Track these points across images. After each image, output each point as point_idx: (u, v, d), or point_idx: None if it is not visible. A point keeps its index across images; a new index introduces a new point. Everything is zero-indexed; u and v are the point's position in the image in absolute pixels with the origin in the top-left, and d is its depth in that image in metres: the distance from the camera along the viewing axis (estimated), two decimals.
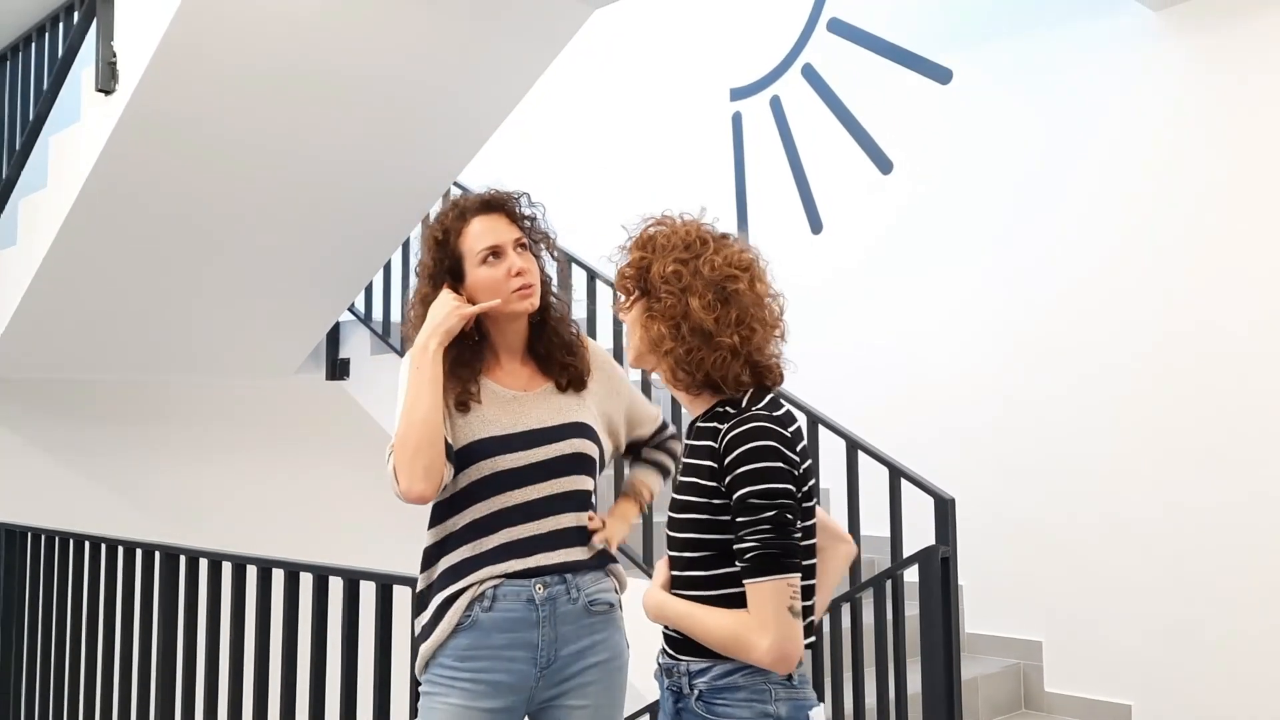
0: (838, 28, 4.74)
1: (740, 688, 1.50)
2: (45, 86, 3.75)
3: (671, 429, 2.13)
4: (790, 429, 1.53)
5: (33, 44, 3.87)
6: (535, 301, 1.89)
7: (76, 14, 3.55)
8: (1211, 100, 3.70)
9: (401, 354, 4.53)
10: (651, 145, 5.37)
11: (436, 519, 1.88)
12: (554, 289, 1.98)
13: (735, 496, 1.48)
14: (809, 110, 4.81)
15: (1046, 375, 4.03)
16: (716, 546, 1.51)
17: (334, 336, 4.84)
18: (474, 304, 1.85)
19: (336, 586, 2.58)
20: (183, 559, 3.08)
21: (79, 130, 3.46)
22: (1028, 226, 4.12)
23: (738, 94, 5.09)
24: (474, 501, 1.83)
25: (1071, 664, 3.91)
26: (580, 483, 1.88)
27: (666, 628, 1.60)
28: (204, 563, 2.99)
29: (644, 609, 1.62)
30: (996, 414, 4.14)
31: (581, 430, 1.90)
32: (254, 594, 2.77)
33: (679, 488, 1.59)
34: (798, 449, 1.54)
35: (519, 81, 3.71)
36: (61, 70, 3.61)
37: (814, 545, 1.58)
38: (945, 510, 2.72)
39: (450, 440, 1.82)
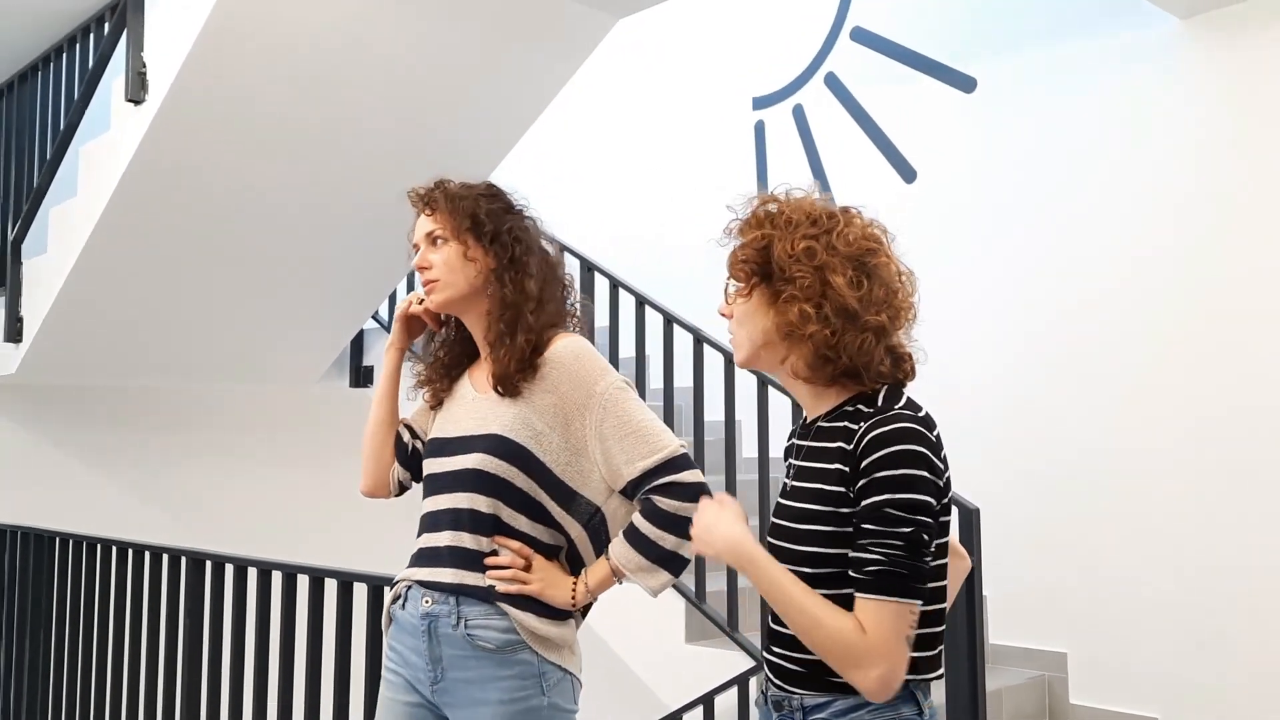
0: (861, 36, 4.74)
1: None
2: (76, 97, 3.80)
3: (678, 476, 1.71)
4: (935, 433, 1.37)
5: (64, 55, 3.92)
6: (437, 298, 1.78)
7: (107, 25, 3.59)
8: (1239, 109, 3.67)
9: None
10: (674, 154, 5.38)
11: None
12: (506, 280, 1.78)
13: (866, 503, 1.30)
14: (832, 119, 4.81)
15: (1072, 384, 4.00)
16: (841, 563, 1.33)
17: (358, 344, 4.87)
18: None
19: (362, 591, 2.59)
20: (209, 564, 3.10)
21: (109, 140, 3.51)
22: (1052, 235, 4.10)
23: (760, 103, 5.09)
24: (424, 499, 1.86)
25: (1097, 676, 3.87)
26: (474, 501, 1.72)
27: (776, 656, 1.41)
28: (230, 568, 3.02)
29: (712, 538, 1.39)
30: (1022, 423, 4.11)
31: (494, 445, 1.72)
32: (279, 600, 2.79)
33: (794, 493, 1.41)
34: (942, 456, 1.37)
35: (542, 92, 3.73)
36: (92, 80, 3.65)
37: (944, 567, 1.40)
38: (970, 520, 2.70)
39: (420, 438, 1.89)
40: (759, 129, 5.09)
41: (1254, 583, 3.55)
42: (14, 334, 4.07)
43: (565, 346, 1.76)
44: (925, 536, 1.30)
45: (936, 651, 1.40)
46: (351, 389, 4.91)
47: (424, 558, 1.79)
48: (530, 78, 3.64)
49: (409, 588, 1.80)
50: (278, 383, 4.79)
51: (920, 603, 1.31)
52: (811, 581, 1.34)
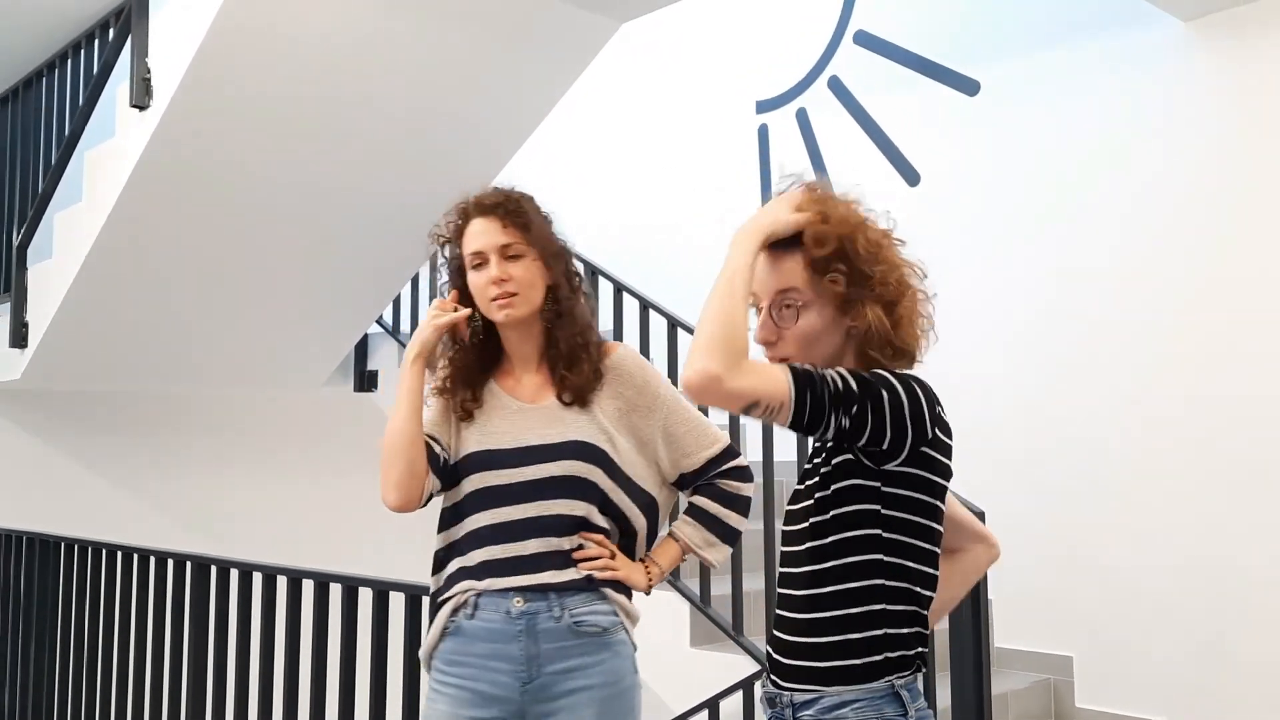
0: (864, 40, 4.74)
1: None
2: (81, 102, 3.81)
3: (736, 462, 1.91)
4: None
5: (69, 61, 3.94)
6: (515, 313, 1.80)
7: (112, 31, 3.60)
8: (1243, 111, 3.67)
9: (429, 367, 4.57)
10: (677, 158, 5.39)
11: (442, 524, 1.89)
12: (563, 296, 1.85)
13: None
14: (835, 122, 4.81)
15: (1077, 388, 4.00)
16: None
17: (362, 348, 4.87)
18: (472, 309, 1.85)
19: (366, 596, 2.59)
20: (214, 569, 3.10)
21: (114, 145, 3.52)
22: (1057, 237, 4.09)
23: (764, 106, 5.10)
24: (468, 514, 1.83)
25: (1103, 680, 3.87)
26: (570, 507, 1.79)
27: (773, 651, 1.45)
28: (235, 573, 3.02)
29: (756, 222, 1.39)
30: (1026, 426, 4.11)
31: (580, 450, 1.80)
32: (284, 604, 2.79)
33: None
34: (934, 406, 1.38)
35: (544, 98, 3.74)
36: (97, 86, 3.67)
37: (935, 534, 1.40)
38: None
39: (447, 450, 1.83)
40: (762, 132, 5.09)
41: (1260, 586, 3.54)
42: (19, 339, 4.08)
43: (625, 355, 1.90)
44: (852, 386, 1.32)
45: (917, 651, 1.40)
46: (356, 393, 4.91)
47: (505, 568, 1.78)
48: (534, 82, 3.65)
49: (478, 595, 1.79)
50: (283, 387, 4.80)
51: (793, 397, 1.30)
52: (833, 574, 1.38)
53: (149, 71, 3.30)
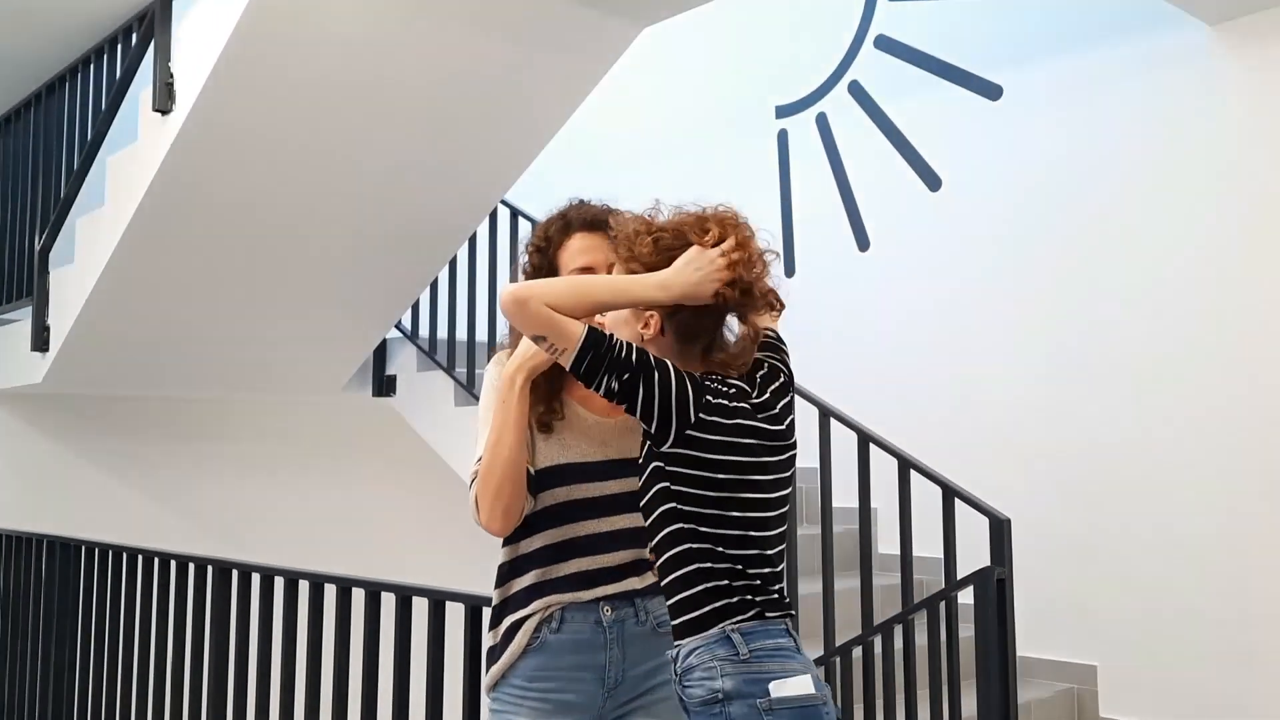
0: (885, 44, 4.72)
1: (693, 667, 1.58)
2: (103, 107, 3.82)
3: None
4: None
5: (91, 66, 3.95)
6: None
7: (135, 36, 3.62)
8: (1269, 115, 3.64)
9: (448, 371, 4.56)
10: (695, 162, 5.37)
11: (511, 538, 1.84)
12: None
13: None
14: (856, 127, 4.79)
15: (1102, 392, 3.96)
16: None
17: (381, 354, 4.87)
18: None
19: (389, 602, 2.58)
20: (235, 574, 3.10)
21: (136, 150, 3.52)
22: (1080, 242, 4.06)
23: (783, 111, 5.08)
24: (548, 526, 1.80)
25: (1127, 689, 3.83)
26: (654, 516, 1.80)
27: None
28: (256, 578, 3.01)
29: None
30: (1051, 433, 4.08)
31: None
32: (305, 609, 2.79)
33: None
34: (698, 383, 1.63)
35: (565, 102, 3.73)
36: (120, 91, 3.68)
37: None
38: (1001, 531, 2.67)
39: (530, 463, 1.79)
40: (782, 137, 5.08)
41: None
42: (41, 344, 4.09)
43: None
44: (632, 360, 1.58)
45: (748, 599, 1.60)
46: (375, 398, 4.91)
47: (596, 578, 1.79)
48: (553, 88, 3.64)
49: (563, 609, 1.78)
50: (302, 393, 4.80)
51: (579, 346, 1.57)
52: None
53: (172, 76, 3.30)
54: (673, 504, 1.61)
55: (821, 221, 4.89)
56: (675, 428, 1.59)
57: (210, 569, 3.21)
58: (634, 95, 5.56)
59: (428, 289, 4.60)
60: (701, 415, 1.60)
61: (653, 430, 1.60)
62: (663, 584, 1.64)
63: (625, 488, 1.76)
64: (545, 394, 1.83)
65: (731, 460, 1.62)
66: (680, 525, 1.61)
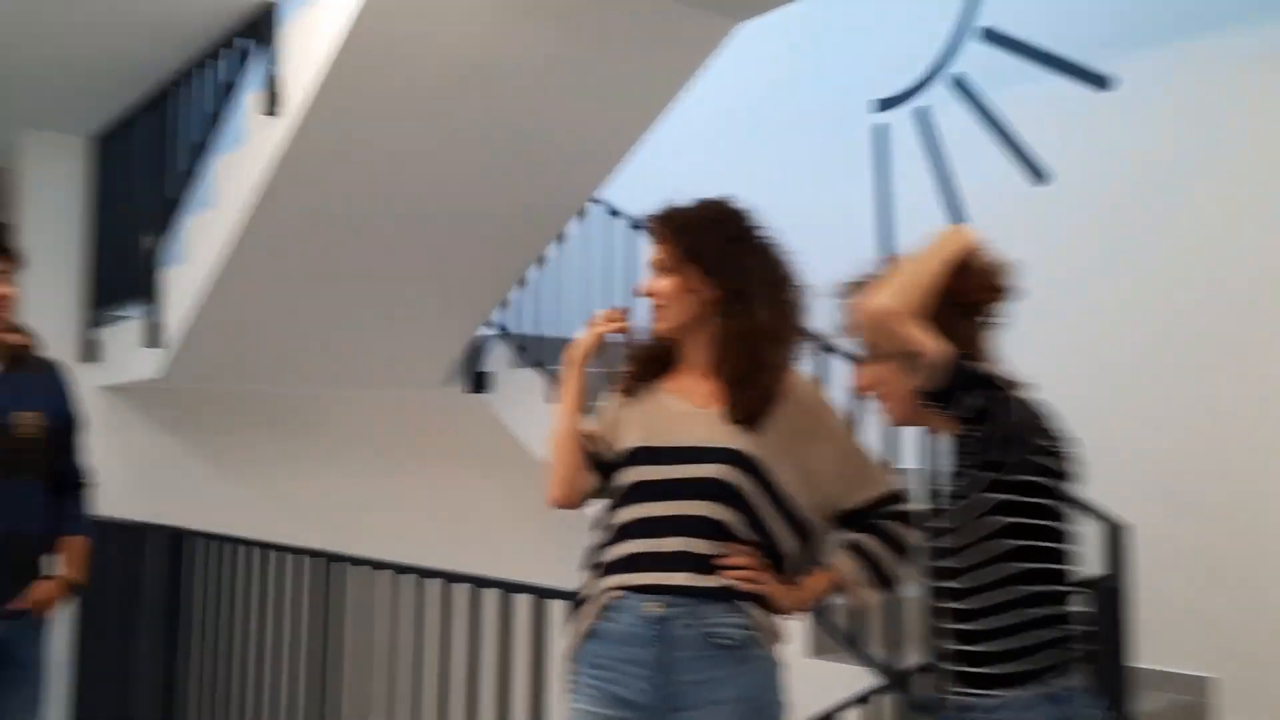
0: (988, 35, 4.60)
1: None
2: (214, 111, 3.93)
3: (903, 506, 1.90)
4: None
5: (203, 70, 4.06)
6: (661, 326, 1.88)
7: (244, 41, 3.71)
8: None
9: (539, 368, 4.60)
10: (791, 158, 5.31)
11: (597, 521, 1.90)
12: (730, 312, 1.84)
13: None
14: (958, 120, 4.67)
15: (1221, 395, 3.80)
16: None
17: (475, 350, 4.93)
18: None
19: (492, 598, 2.60)
20: (335, 566, 3.16)
21: (245, 152, 3.62)
22: (1198, 237, 3.90)
23: (882, 105, 4.99)
24: (619, 509, 1.85)
25: (1247, 704, 3.66)
26: (711, 509, 1.78)
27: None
28: (357, 570, 3.07)
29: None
30: (1170, 436, 3.91)
31: (731, 456, 1.79)
32: (410, 601, 2.83)
33: None
34: None
35: (656, 99, 3.72)
36: (230, 95, 3.78)
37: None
38: (1117, 537, 2.58)
39: (608, 450, 1.88)
40: (881, 132, 4.99)
41: None
42: (155, 340, 4.24)
43: (802, 381, 1.91)
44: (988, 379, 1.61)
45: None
46: (469, 395, 4.97)
47: (642, 563, 1.79)
48: (645, 85, 3.64)
49: (618, 598, 1.79)
50: (401, 388, 4.89)
51: (948, 361, 1.57)
52: None
53: (281, 80, 3.38)
54: (1009, 539, 1.53)
55: (922, 217, 4.78)
56: (1022, 449, 1.54)
57: (308, 560, 3.28)
58: (726, 89, 5.52)
59: (522, 286, 4.63)
60: (1041, 439, 1.57)
61: (995, 454, 1.53)
62: (974, 625, 1.55)
63: (685, 474, 1.79)
64: (642, 379, 1.91)
65: (1058, 487, 1.58)
66: (1018, 565, 1.53)
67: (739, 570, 1.77)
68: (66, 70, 4.30)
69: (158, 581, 4.14)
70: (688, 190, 1.98)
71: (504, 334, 4.84)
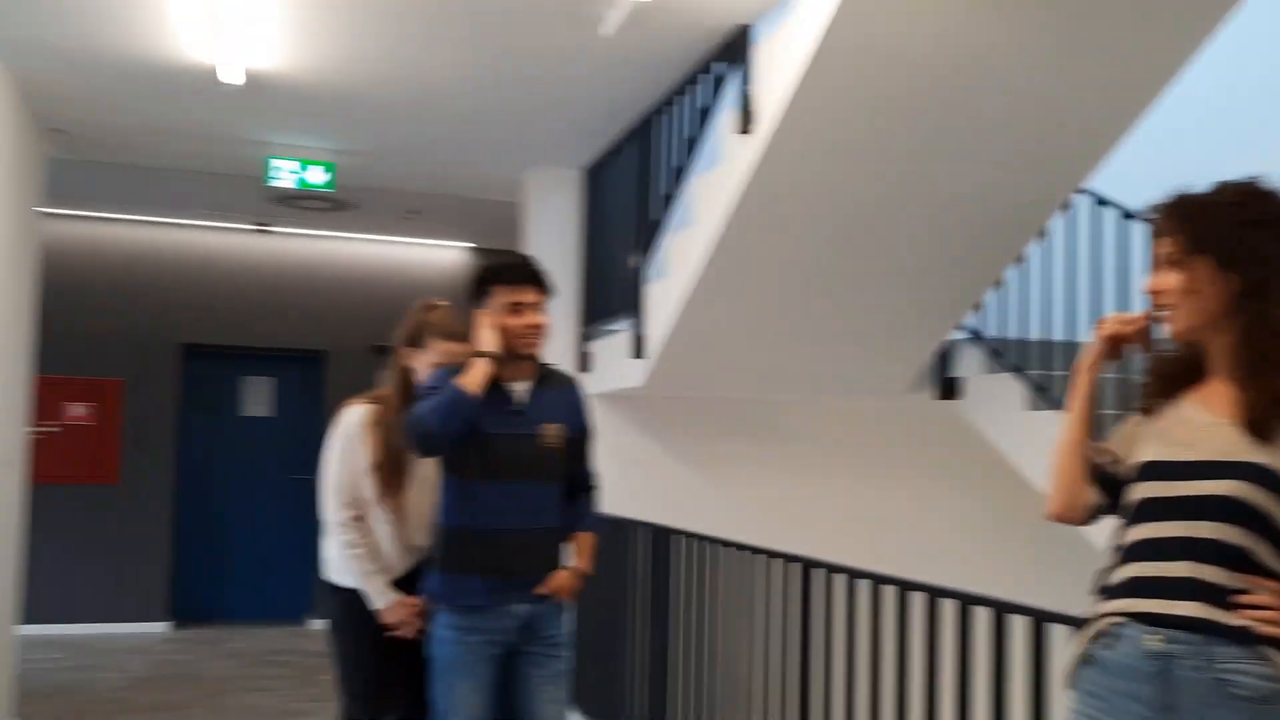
0: None
1: None
2: (692, 135, 4.17)
3: None
4: None
5: (683, 96, 4.33)
6: (1172, 328, 1.70)
7: (719, 65, 3.90)
8: None
9: (1019, 373, 4.35)
10: None
11: (1112, 539, 1.75)
12: (1246, 307, 1.63)
13: None
14: None
15: None
16: None
17: (945, 356, 4.78)
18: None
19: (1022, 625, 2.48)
20: (816, 571, 3.20)
21: (721, 171, 3.79)
22: None
23: None
24: (1129, 526, 1.70)
25: None
26: (1224, 532, 1.58)
27: None
28: (837, 577, 3.08)
29: None
30: None
31: (1250, 472, 1.58)
32: (892, 613, 2.79)
33: None
34: None
35: (1154, 78, 3.36)
36: (707, 118, 3.99)
37: None
38: None
39: (1118, 464, 1.75)
40: None
41: None
42: (639, 351, 4.58)
43: None
44: None
45: None
46: (938, 401, 4.83)
47: (1144, 588, 1.65)
48: (1140, 64, 3.31)
49: (1118, 625, 1.67)
50: (866, 395, 4.87)
51: None
52: None
53: (753, 98, 3.50)
54: None
55: None
56: None
57: (784, 564, 3.34)
58: (1232, 61, 4.87)
59: (997, 287, 4.42)
60: None
61: None
62: None
63: (1196, 491, 1.60)
64: (1164, 391, 1.75)
65: None
66: None
67: (1262, 611, 1.54)
68: (565, 112, 4.80)
69: (644, 575, 4.46)
70: (1184, 175, 1.75)
71: (976, 338, 4.64)
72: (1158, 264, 1.71)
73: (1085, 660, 1.69)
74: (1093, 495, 1.77)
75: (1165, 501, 1.64)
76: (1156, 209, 1.74)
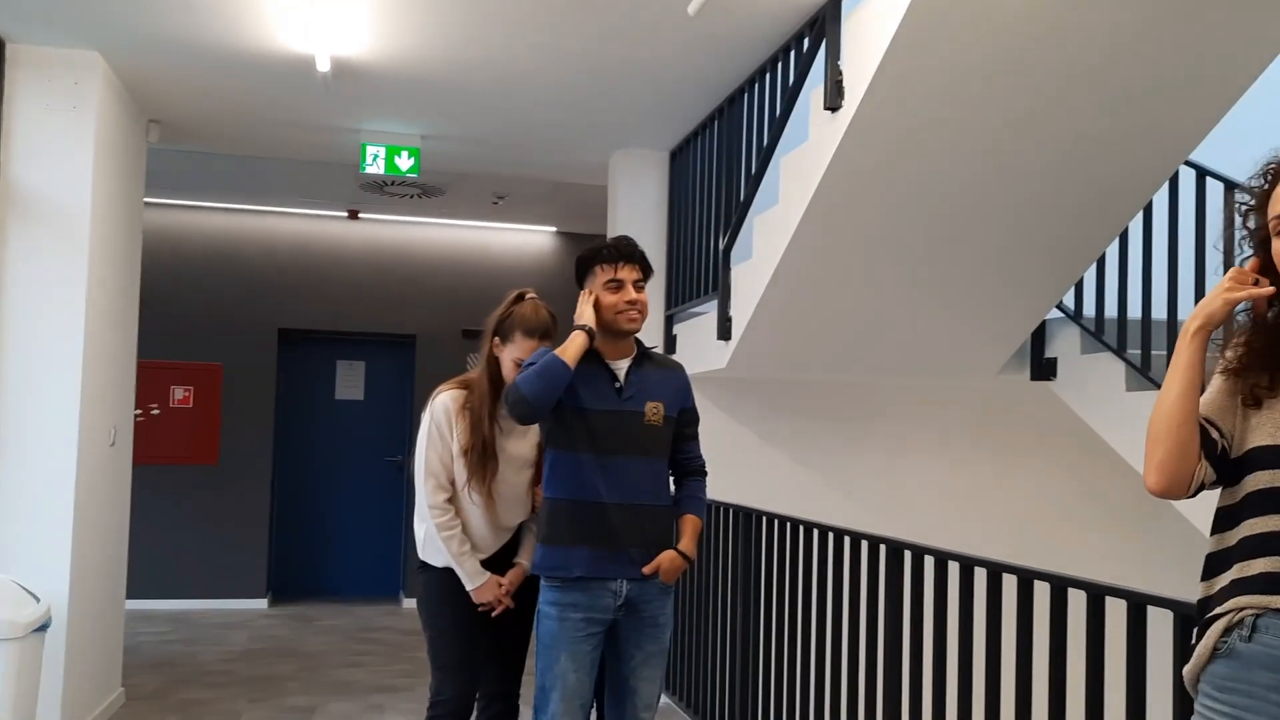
0: None
1: None
2: (777, 113, 4.12)
3: None
4: None
5: (766, 74, 4.28)
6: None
7: (806, 41, 3.84)
8: None
9: (1118, 353, 4.21)
10: None
11: (1217, 526, 1.67)
12: None
13: None
14: None
15: None
16: None
17: (1040, 335, 4.66)
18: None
19: (1078, 600, 2.42)
20: (907, 552, 3.15)
21: (807, 148, 3.74)
22: None
23: None
24: (1248, 516, 1.61)
25: None
26: None
27: None
28: (930, 559, 3.03)
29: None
30: None
31: None
32: (984, 596, 2.73)
33: None
34: None
35: (1264, 46, 3.22)
36: (793, 93, 3.93)
37: None
38: None
39: (1228, 438, 1.64)
40: None
41: None
42: (724, 333, 4.56)
43: None
44: None
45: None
46: (1033, 382, 4.71)
47: None
48: (1253, 30, 3.16)
49: (1257, 616, 1.59)
50: (957, 376, 4.78)
51: None
52: None
53: (841, 74, 3.44)
54: None
55: None
56: None
57: (869, 545, 3.29)
58: None
59: (1093, 266, 4.28)
60: None
61: None
62: None
63: None
64: (1266, 364, 1.63)
65: None
66: None
67: None
68: (651, 94, 4.78)
69: (733, 557, 4.45)
70: None
71: (1073, 317, 4.51)
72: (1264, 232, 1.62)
73: (1217, 654, 1.61)
74: (1204, 470, 1.66)
75: None
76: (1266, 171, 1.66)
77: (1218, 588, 1.65)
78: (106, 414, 4.75)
